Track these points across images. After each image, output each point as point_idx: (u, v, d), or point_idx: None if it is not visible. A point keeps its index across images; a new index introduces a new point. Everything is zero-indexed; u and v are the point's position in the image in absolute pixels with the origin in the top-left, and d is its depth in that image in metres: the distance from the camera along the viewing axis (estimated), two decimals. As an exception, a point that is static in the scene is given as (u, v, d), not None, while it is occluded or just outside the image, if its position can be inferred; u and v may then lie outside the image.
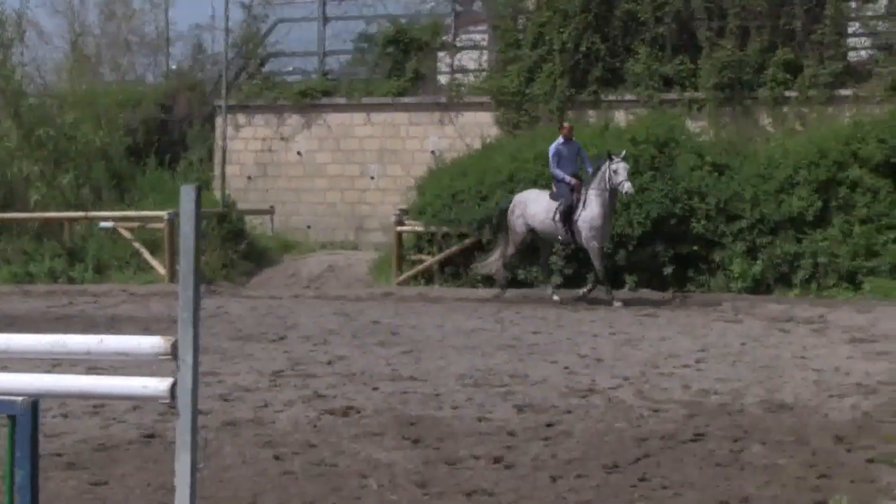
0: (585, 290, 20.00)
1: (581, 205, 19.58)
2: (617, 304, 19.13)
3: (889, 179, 20.12)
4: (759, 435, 9.36)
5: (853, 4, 24.27)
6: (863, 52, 24.23)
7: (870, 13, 24.13)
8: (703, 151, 21.77)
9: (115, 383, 5.54)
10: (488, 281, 21.66)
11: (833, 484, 7.79)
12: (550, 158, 20.02)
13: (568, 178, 19.80)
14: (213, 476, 7.91)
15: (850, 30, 24.35)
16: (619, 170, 19.11)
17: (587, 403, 10.73)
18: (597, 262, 19.68)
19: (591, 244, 19.54)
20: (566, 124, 20.55)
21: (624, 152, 19.62)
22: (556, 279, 20.72)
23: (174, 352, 5.06)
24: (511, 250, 20.59)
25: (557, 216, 19.73)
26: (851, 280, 19.96)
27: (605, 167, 19.32)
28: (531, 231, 20.34)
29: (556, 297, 19.89)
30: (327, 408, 10.44)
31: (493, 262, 20.92)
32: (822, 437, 9.22)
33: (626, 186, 19.02)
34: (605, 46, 24.67)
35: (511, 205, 20.63)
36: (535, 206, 20.21)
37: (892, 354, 13.54)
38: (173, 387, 5.10)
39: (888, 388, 11.38)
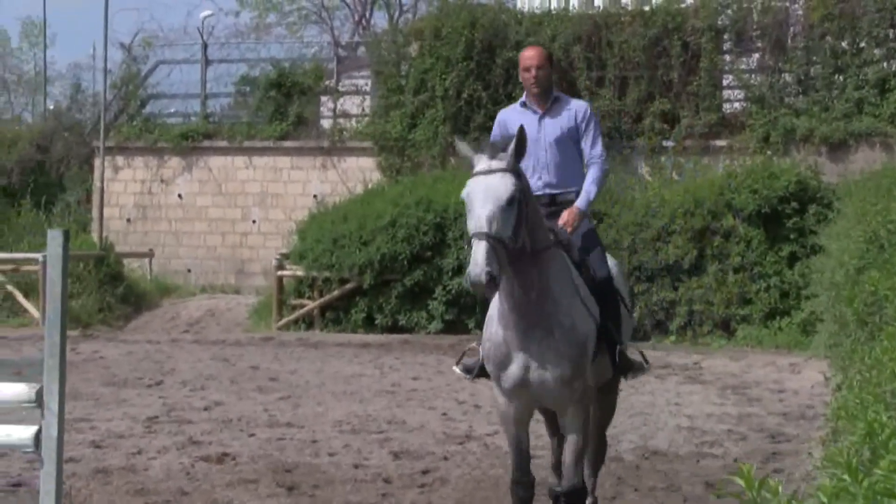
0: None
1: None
2: None
3: (761, 229, 20.54)
4: (633, 482, 9.46)
5: (727, 58, 24.81)
6: (737, 104, 24.75)
7: (743, 67, 24.69)
8: (582, 199, 22.04)
9: (-23, 432, 5.41)
10: (368, 325, 21.69)
11: (703, 530, 7.90)
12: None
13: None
14: (81, 525, 7.77)
15: (724, 82, 24.87)
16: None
17: (464, 450, 10.75)
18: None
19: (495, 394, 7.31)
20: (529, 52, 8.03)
21: None
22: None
23: (39, 399, 4.97)
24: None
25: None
26: (726, 328, 20.32)
27: None
28: None
29: None
30: (202, 454, 10.33)
31: None
32: (693, 484, 9.35)
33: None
34: (487, 94, 24.89)
35: None
36: None
37: (763, 402, 13.81)
38: (37, 435, 5.01)
39: (758, 435, 11.59)
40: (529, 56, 7.78)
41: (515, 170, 6.65)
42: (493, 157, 6.64)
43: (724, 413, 12.95)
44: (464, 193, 6.60)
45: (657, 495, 8.99)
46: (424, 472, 9.73)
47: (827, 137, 22.60)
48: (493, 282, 6.22)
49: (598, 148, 7.71)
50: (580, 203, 7.48)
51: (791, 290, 20.14)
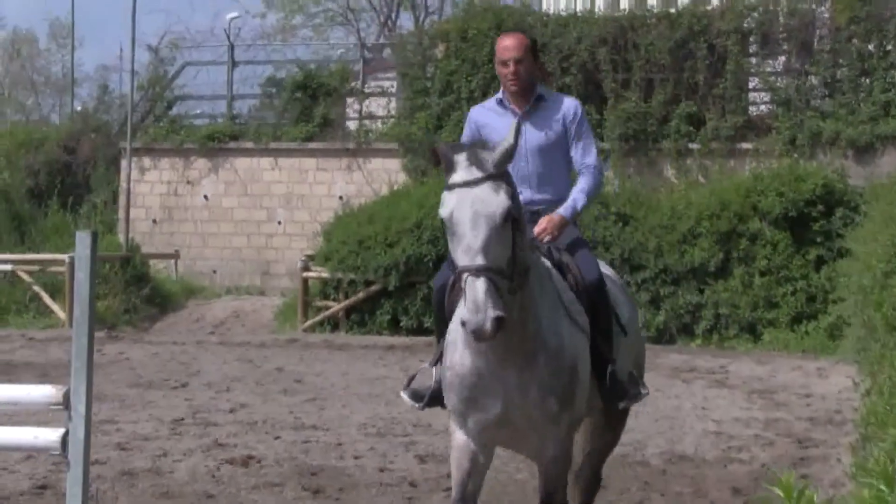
0: None
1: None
2: None
3: (787, 232, 20.44)
4: (660, 486, 9.40)
5: (753, 60, 24.71)
6: (763, 107, 24.64)
7: (769, 69, 24.58)
8: (608, 201, 21.94)
9: (5, 434, 5.42)
10: (393, 327, 21.65)
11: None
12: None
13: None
14: (107, 527, 7.77)
15: (750, 85, 24.78)
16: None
17: (489, 453, 10.69)
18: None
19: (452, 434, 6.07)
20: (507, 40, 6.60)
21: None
22: None
23: (66, 401, 4.97)
24: None
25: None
26: (752, 331, 20.22)
27: None
28: None
29: None
30: (227, 457, 10.31)
31: None
32: (720, 489, 9.29)
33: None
34: (513, 96, 24.84)
35: None
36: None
37: (791, 406, 13.72)
38: (65, 437, 5.00)
39: (785, 440, 11.52)
40: (507, 47, 6.40)
41: (504, 174, 5.39)
42: (473, 161, 5.32)
43: (750, 417, 12.88)
44: (444, 212, 5.27)
45: (684, 500, 8.94)
46: (450, 476, 9.67)
47: (853, 140, 22.47)
48: (501, 327, 5.04)
49: (592, 156, 6.44)
50: (564, 211, 6.24)
51: (818, 293, 20.04)
